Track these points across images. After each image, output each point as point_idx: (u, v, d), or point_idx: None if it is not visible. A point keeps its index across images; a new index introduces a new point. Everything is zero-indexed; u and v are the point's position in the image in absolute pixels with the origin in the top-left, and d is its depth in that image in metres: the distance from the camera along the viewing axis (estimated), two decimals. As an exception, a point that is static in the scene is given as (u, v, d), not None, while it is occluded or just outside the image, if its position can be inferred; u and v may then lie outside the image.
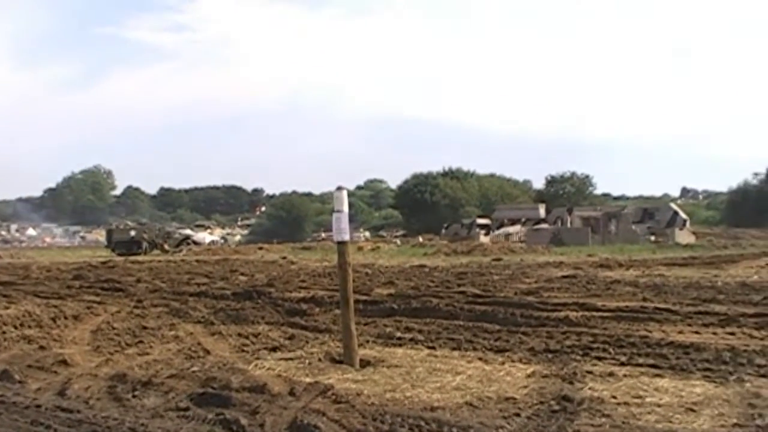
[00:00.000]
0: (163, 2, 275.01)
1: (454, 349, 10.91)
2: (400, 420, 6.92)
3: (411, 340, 11.75)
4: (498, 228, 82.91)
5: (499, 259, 38.84)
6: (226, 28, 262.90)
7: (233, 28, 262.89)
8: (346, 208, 10.01)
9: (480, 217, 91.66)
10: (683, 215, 72.84)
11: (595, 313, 13.97)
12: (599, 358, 9.89)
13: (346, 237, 10.07)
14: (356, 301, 13.09)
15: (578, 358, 9.94)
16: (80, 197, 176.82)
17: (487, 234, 77.75)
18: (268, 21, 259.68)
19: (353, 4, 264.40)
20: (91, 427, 7.13)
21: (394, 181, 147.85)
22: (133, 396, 8.29)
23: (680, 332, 12.03)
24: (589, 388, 8.10)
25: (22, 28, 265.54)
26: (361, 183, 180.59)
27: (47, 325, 14.38)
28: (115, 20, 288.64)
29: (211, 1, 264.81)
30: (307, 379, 8.81)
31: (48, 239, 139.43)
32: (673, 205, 79.27)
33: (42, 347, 11.89)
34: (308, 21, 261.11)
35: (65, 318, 15.20)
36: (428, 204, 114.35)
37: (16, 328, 14.03)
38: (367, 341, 11.61)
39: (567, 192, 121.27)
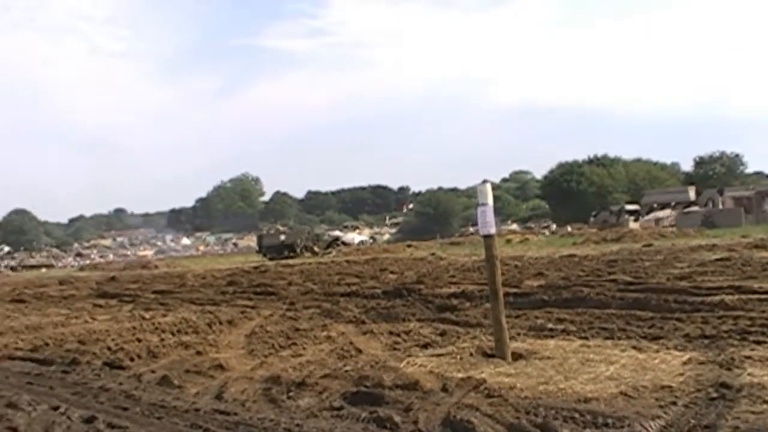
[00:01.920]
0: (295, 9, 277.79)
1: (606, 338, 10.79)
2: (553, 412, 6.86)
3: (563, 331, 11.65)
4: (647, 213, 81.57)
5: (649, 245, 38.17)
6: (360, 30, 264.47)
7: (367, 29, 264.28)
8: (490, 201, 9.96)
9: (628, 203, 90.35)
10: (843, 188, 70.52)
11: (752, 296, 13.66)
12: (758, 343, 9.65)
13: (492, 230, 10.02)
14: (506, 294, 13.04)
15: (735, 343, 9.71)
16: (230, 205, 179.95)
17: (636, 220, 76.56)
18: (401, 19, 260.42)
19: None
20: (248, 428, 7.24)
21: (539, 172, 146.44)
22: (288, 397, 8.39)
23: (843, 311, 11.69)
24: (749, 374, 7.91)
25: (165, 43, 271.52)
26: (507, 175, 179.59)
27: (203, 330, 14.69)
28: (251, 30, 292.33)
29: (343, 4, 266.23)
30: (460, 375, 8.80)
31: (201, 248, 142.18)
32: (831, 179, 76.92)
33: (199, 352, 12.13)
34: (441, 16, 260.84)
35: (220, 323, 15.49)
36: (575, 193, 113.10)
37: (173, 334, 14.38)
38: (519, 334, 11.55)
39: (717, 172, 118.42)
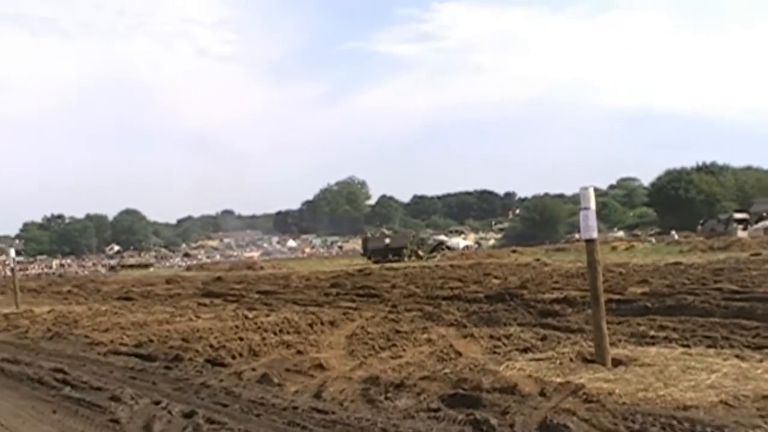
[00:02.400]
0: (405, 14, 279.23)
1: (709, 346, 10.63)
2: (651, 419, 6.80)
3: (665, 338, 11.52)
4: (757, 222, 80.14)
5: (757, 254, 37.49)
6: (468, 34, 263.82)
7: (476, 34, 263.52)
8: (593, 205, 9.89)
9: (737, 211, 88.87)
10: None
11: None
12: None
13: (594, 234, 9.96)
14: (609, 300, 12.97)
15: (844, 354, 9.51)
16: (336, 208, 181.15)
17: (745, 229, 75.25)
18: (509, 24, 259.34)
19: (595, 2, 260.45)
20: (345, 428, 7.30)
21: (647, 179, 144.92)
22: (386, 398, 8.43)
23: None
24: None
25: (274, 47, 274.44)
26: (614, 182, 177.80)
27: (305, 330, 14.82)
28: (361, 35, 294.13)
29: (452, 8, 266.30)
30: (558, 379, 8.76)
31: (307, 250, 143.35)
32: None
33: (299, 352, 12.24)
34: (550, 21, 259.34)
35: (322, 324, 15.61)
36: (683, 200, 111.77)
37: (275, 334, 14.54)
38: (620, 340, 11.44)
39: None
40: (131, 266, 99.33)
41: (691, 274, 24.40)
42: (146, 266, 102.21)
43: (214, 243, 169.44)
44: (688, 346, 10.78)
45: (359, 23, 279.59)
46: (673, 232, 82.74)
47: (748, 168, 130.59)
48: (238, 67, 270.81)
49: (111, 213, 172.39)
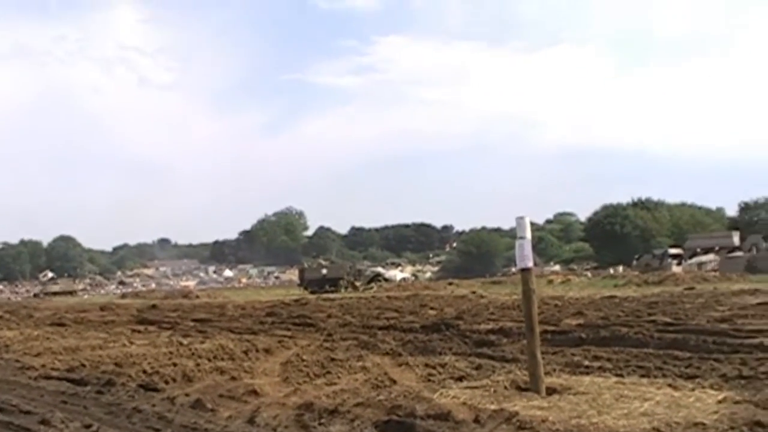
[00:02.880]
0: (346, 46, 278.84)
1: (642, 376, 10.75)
2: (584, 445, 6.84)
3: (599, 368, 11.62)
4: (690, 257, 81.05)
5: (691, 288, 37.91)
6: (409, 68, 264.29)
7: (416, 67, 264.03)
8: (528, 234, 9.98)
9: (672, 246, 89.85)
10: None
11: (792, 340, 13.54)
12: (795, 384, 9.57)
13: (530, 264, 10.03)
14: (544, 331, 13.08)
15: (773, 384, 9.63)
16: (274, 238, 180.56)
17: (679, 264, 76.09)
18: (449, 59, 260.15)
19: (536, 38, 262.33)
20: (278, 453, 7.26)
21: (583, 214, 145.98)
22: (320, 424, 8.42)
23: None
24: (784, 414, 7.84)
25: (215, 77, 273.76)
26: (551, 216, 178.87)
27: (239, 357, 14.78)
28: (301, 67, 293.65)
29: (392, 42, 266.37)
30: (492, 407, 8.79)
31: (243, 280, 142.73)
32: None
33: (234, 378, 12.22)
34: (491, 56, 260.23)
35: (257, 351, 15.57)
36: (618, 235, 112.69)
37: (210, 360, 14.47)
38: (554, 370, 11.52)
39: (762, 219, 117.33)
40: (55, 293, 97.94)
41: (625, 306, 24.59)
42: (71, 293, 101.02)
43: (150, 271, 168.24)
44: (621, 375, 10.89)
45: (300, 55, 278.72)
46: (612, 269, 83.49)
47: (683, 204, 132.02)
48: (178, 95, 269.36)
49: (45, 239, 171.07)
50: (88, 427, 8.83)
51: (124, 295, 78.79)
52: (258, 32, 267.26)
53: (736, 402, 8.58)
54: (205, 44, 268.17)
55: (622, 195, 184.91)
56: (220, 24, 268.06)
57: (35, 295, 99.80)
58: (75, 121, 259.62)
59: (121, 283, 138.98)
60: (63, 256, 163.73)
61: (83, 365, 14.52)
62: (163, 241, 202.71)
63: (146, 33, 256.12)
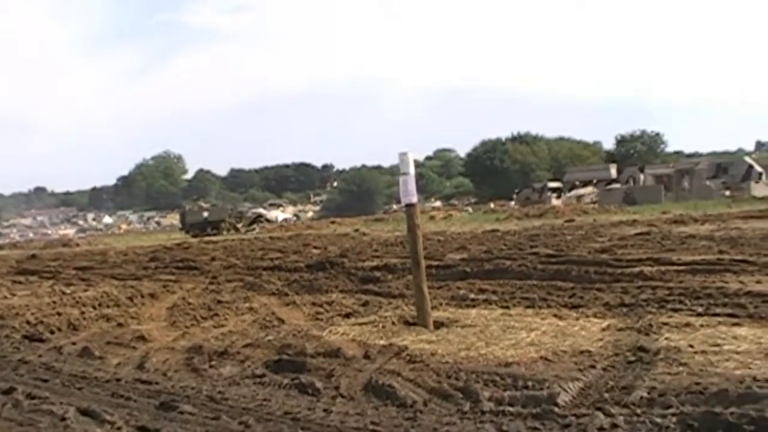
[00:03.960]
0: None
1: (528, 307, 10.90)
2: (474, 376, 6.93)
3: (485, 300, 11.74)
4: (569, 190, 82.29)
5: (571, 221, 38.58)
6: (286, 8, 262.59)
7: (293, 7, 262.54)
8: (412, 170, 10.00)
9: (551, 180, 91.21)
10: (759, 168, 71.68)
11: (670, 267, 13.87)
12: (675, 310, 9.79)
13: (414, 199, 10.08)
14: (429, 266, 13.15)
15: (654, 310, 9.84)
16: (153, 183, 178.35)
17: (559, 197, 77.29)
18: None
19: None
20: (170, 396, 7.21)
21: (463, 150, 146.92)
22: (210, 366, 8.39)
23: (758, 282, 11.90)
24: (666, 339, 8.04)
25: (90, 19, 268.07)
26: (431, 153, 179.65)
27: (124, 304, 14.59)
28: (173, 7, 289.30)
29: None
30: (381, 342, 8.87)
31: (124, 226, 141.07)
32: (748, 159, 78.07)
33: (120, 324, 12.09)
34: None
35: (142, 297, 15.40)
36: (498, 170, 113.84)
37: (95, 308, 14.26)
38: (441, 304, 11.62)
39: (638, 151, 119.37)
40: None
41: (508, 240, 24.88)
42: None
43: (27, 221, 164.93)
44: (507, 307, 11.02)
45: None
46: (493, 204, 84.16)
47: (561, 138, 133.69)
48: (49, 41, 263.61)
49: None
50: (-27, 380, 8.68)
51: (1, 246, 77.28)
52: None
53: (620, 329, 8.75)
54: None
55: (502, 131, 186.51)
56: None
57: None
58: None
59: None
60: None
61: (-37, 318, 14.24)
62: (39, 190, 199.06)
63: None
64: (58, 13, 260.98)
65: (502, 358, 7.63)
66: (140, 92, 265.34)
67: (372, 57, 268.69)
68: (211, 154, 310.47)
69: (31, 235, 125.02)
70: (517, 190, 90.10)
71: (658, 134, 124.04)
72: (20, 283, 22.07)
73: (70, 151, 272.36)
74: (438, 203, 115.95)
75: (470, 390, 6.51)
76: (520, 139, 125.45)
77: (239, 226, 68.41)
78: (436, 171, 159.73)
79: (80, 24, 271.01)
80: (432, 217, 59.62)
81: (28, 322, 12.82)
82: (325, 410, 6.47)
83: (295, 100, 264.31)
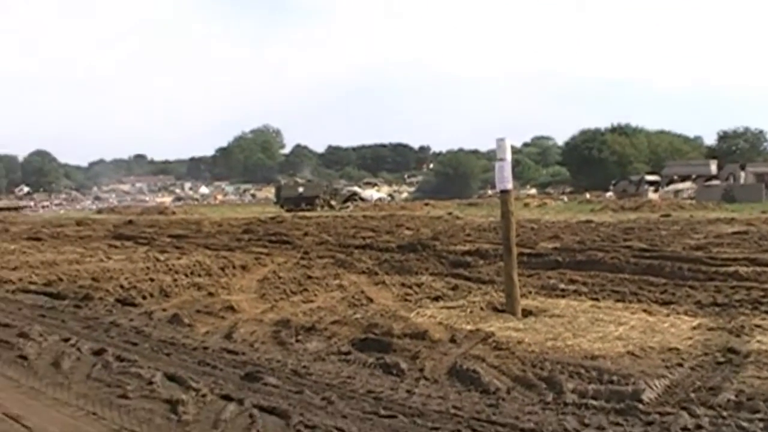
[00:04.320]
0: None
1: (618, 300, 10.81)
2: (559, 367, 6.91)
3: (574, 291, 11.68)
4: (667, 184, 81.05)
5: (667, 215, 37.99)
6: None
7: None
8: (509, 156, 9.97)
9: (649, 173, 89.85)
10: None
11: (766, 269, 13.57)
12: (769, 312, 9.63)
13: (509, 185, 10.04)
14: (521, 254, 13.10)
15: (747, 312, 9.68)
16: (250, 156, 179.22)
17: (656, 191, 76.07)
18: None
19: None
20: (255, 368, 7.31)
21: (561, 138, 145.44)
22: (297, 340, 8.48)
23: None
24: (757, 341, 7.92)
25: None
26: (528, 140, 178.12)
27: (216, 274, 14.82)
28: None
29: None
30: (468, 327, 8.87)
31: (219, 197, 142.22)
32: None
33: (210, 294, 12.27)
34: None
35: (233, 268, 15.61)
36: (596, 160, 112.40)
37: (186, 276, 14.52)
38: (530, 292, 11.57)
39: (740, 148, 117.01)
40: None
41: (601, 231, 24.64)
42: (16, 209, 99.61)
43: (126, 187, 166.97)
44: (597, 299, 10.95)
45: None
46: (589, 194, 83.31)
47: (661, 132, 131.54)
48: (158, 5, 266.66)
49: (21, 154, 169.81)
50: (66, 340, 8.86)
51: (100, 211, 78.38)
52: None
53: (710, 329, 8.64)
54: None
55: (601, 120, 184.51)
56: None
57: None
58: (48, 39, 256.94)
59: (97, 198, 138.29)
60: (38, 171, 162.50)
61: (60, 279, 14.55)
62: (139, 157, 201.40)
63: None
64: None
65: (589, 351, 7.58)
66: (243, 65, 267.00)
67: (476, 39, 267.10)
68: (309, 131, 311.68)
69: (128, 201, 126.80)
70: (613, 182, 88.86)
71: (761, 131, 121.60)
72: (116, 247, 22.49)
73: (170, 121, 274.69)
74: (533, 191, 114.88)
75: (554, 380, 6.50)
76: (619, 130, 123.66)
77: (333, 202, 68.59)
78: (533, 158, 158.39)
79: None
80: (527, 205, 59.28)
81: (121, 287, 13.09)
82: (407, 391, 6.51)
83: (395, 80, 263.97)
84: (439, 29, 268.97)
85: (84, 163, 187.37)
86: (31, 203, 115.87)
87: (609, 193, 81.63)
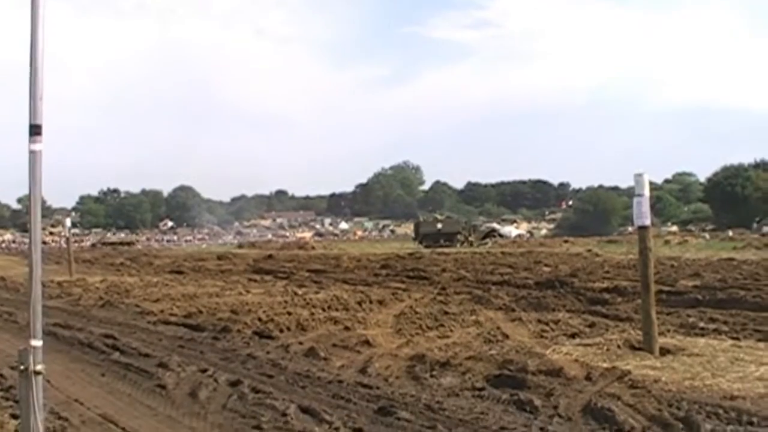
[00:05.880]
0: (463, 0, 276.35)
1: (759, 340, 10.55)
2: (697, 407, 6.78)
3: (714, 330, 11.46)
4: (815, 222, 79.16)
5: (815, 253, 37.09)
6: (529, 23, 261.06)
7: (536, 23, 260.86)
8: (647, 191, 9.85)
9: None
10: None
11: None
12: None
13: (647, 221, 9.92)
14: (659, 292, 12.91)
15: None
16: (390, 192, 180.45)
17: (803, 228, 74.43)
18: (572, 14, 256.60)
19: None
20: (389, 402, 7.33)
21: (703, 174, 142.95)
22: (431, 375, 8.50)
23: None
24: None
25: (333, 30, 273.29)
26: (669, 176, 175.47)
27: (353, 308, 14.93)
28: (419, 20, 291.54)
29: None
30: (604, 365, 8.77)
31: (359, 232, 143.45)
32: None
33: (347, 328, 12.38)
34: (612, 12, 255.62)
35: (370, 302, 15.71)
36: (739, 197, 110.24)
37: (324, 310, 14.65)
38: (668, 330, 11.39)
39: None
40: (114, 243, 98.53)
41: (744, 269, 24.13)
42: (130, 243, 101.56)
43: (267, 222, 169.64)
44: (737, 338, 10.72)
45: (418, 8, 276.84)
46: (731, 232, 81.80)
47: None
48: (296, 48, 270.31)
49: (166, 189, 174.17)
50: (204, 371, 9.03)
51: (241, 245, 79.74)
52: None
53: None
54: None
55: (745, 156, 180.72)
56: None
57: (93, 245, 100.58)
58: (194, 74, 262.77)
59: (239, 233, 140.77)
60: (182, 206, 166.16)
61: (200, 312, 14.88)
62: (281, 193, 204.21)
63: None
64: (301, 20, 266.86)
65: (728, 391, 7.42)
66: (382, 102, 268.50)
67: (614, 74, 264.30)
68: (448, 167, 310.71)
69: (269, 236, 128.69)
70: (757, 219, 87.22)
71: None
72: (255, 281, 22.89)
73: (311, 157, 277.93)
74: (674, 228, 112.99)
75: (691, 421, 6.38)
76: (763, 166, 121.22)
77: (471, 239, 68.52)
78: (674, 195, 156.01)
79: (325, 33, 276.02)
80: (667, 242, 58.32)
81: (259, 319, 13.32)
82: (541, 429, 6.46)
83: (534, 115, 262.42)
84: (579, 62, 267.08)
85: (226, 199, 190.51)
86: (174, 236, 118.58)
87: (752, 231, 79.96)
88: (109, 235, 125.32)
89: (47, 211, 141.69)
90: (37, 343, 4.67)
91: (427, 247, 60.20)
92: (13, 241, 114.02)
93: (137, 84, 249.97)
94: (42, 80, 4.89)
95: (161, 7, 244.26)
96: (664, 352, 9.59)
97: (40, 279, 4.69)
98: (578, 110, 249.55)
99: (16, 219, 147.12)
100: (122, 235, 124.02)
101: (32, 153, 4.82)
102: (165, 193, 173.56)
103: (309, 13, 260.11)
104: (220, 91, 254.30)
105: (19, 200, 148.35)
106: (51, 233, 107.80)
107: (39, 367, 4.65)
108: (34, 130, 4.81)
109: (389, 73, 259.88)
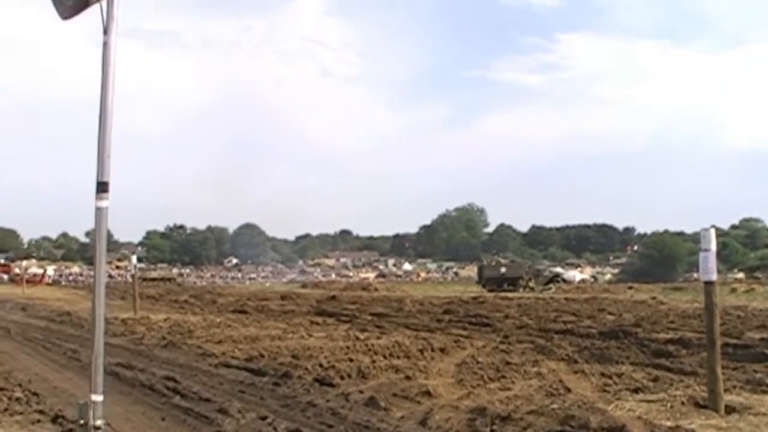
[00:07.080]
0: (529, 43, 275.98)
1: (832, 399, 10.34)
2: (763, 472, 6.66)
3: (782, 388, 11.24)
4: None
5: None
6: (592, 66, 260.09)
7: (600, 65, 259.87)
8: (713, 246, 9.73)
9: None
10: None
11: None
12: None
13: (714, 277, 9.79)
14: (725, 344, 12.71)
15: None
16: (454, 234, 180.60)
17: None
18: (634, 56, 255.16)
19: (722, 37, 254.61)
20: (448, 457, 7.28)
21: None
22: (492, 429, 8.40)
23: None
24: None
25: (396, 71, 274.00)
26: (736, 222, 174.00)
27: (415, 356, 14.88)
28: (484, 63, 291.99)
29: (575, 40, 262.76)
30: (668, 423, 8.63)
31: (422, 274, 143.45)
32: None
33: (408, 377, 12.31)
34: (675, 55, 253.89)
35: (432, 350, 15.66)
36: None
37: (385, 357, 14.61)
38: (735, 386, 11.17)
39: None
40: (153, 279, 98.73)
41: (816, 320, 23.77)
42: (170, 280, 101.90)
43: (331, 262, 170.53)
44: (809, 397, 10.50)
45: (483, 51, 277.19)
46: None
47: None
48: (361, 88, 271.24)
49: (231, 226, 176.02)
50: (264, 418, 9.01)
51: (304, 285, 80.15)
52: (441, 27, 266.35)
53: None
54: (388, 38, 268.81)
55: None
56: (404, 18, 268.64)
57: (132, 277, 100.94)
58: (259, 112, 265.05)
59: (302, 272, 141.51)
60: (247, 243, 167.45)
61: (262, 355, 14.91)
62: (345, 233, 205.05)
63: (330, 25, 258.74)
64: (366, 61, 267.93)
65: (795, 455, 7.29)
66: (447, 144, 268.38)
67: (679, 118, 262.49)
68: (513, 209, 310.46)
69: (333, 275, 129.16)
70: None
71: None
72: (318, 324, 22.94)
73: (375, 197, 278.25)
74: (741, 275, 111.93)
75: (755, 486, 6.27)
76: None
77: (533, 284, 68.29)
78: (741, 241, 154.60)
79: (390, 74, 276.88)
80: (733, 290, 57.63)
81: (320, 365, 13.30)
82: (602, 489, 6.38)
83: (600, 158, 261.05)
84: (641, 106, 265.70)
85: (291, 237, 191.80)
86: (238, 273, 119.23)
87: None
88: (152, 272, 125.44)
89: (114, 245, 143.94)
90: (97, 398, 4.69)
91: (490, 290, 60.23)
92: (80, 275, 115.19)
93: (200, 121, 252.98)
94: (110, 139, 4.94)
95: (226, 41, 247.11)
96: (730, 410, 9.41)
97: (102, 336, 4.72)
98: (643, 153, 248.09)
99: (84, 252, 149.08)
100: (161, 272, 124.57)
101: (98, 210, 4.85)
102: (230, 230, 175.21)
103: (374, 55, 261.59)
104: (285, 129, 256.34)
105: (87, 234, 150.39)
106: (117, 266, 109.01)
107: (99, 423, 4.68)
108: (101, 188, 4.85)
109: (454, 115, 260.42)
